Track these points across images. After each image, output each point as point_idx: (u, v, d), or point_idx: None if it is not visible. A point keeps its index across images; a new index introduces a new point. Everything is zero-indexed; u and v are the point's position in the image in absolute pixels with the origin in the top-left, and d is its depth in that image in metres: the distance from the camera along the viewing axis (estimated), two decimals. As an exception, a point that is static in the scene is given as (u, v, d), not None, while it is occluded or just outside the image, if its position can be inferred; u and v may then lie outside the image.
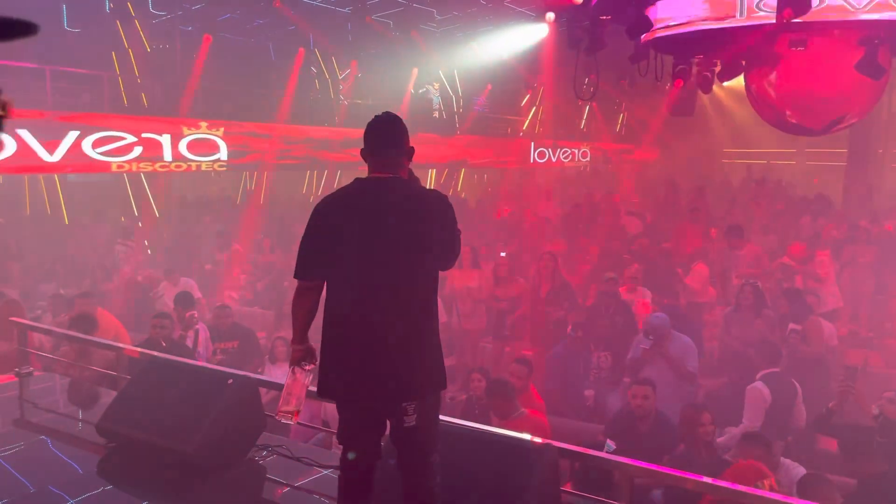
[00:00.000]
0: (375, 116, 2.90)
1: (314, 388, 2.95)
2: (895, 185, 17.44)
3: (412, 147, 2.91)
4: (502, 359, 7.98)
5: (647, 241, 10.09)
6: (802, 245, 9.11)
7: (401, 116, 2.92)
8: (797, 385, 5.74)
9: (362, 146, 2.89)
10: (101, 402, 5.04)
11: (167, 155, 12.80)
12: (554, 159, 21.61)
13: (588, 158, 23.12)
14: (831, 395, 5.85)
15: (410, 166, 2.95)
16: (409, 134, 2.92)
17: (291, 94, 15.85)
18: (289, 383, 2.99)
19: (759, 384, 5.67)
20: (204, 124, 13.38)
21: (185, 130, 13.09)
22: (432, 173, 20.19)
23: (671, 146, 22.88)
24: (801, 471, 4.49)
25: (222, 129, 13.69)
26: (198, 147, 13.30)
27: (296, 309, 2.92)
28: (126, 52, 14.36)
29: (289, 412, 2.97)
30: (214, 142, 13.58)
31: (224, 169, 14.23)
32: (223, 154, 13.76)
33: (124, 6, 14.19)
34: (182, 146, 13.04)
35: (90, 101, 12.97)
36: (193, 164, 13.35)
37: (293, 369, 2.99)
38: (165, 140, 12.74)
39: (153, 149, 12.58)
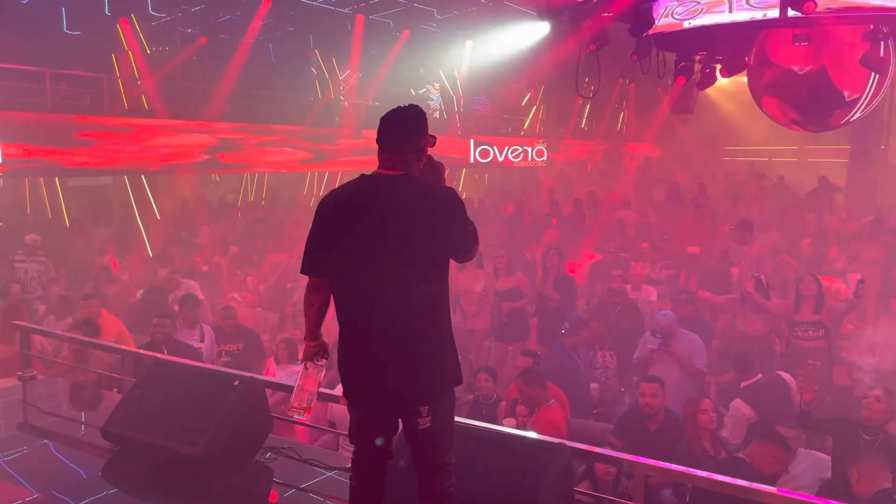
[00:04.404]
0: (391, 110, 2.80)
1: (326, 390, 2.90)
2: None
3: (424, 142, 2.81)
4: (507, 358, 7.95)
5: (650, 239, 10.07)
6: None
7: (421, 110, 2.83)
8: (787, 379, 5.65)
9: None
10: (104, 405, 5.00)
11: None
12: (500, 158, 20.57)
13: (545, 158, 21.90)
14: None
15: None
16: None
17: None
18: (301, 379, 2.94)
19: (737, 402, 5.59)
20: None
21: None
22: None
23: (671, 143, 22.82)
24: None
25: None
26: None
27: (306, 305, 2.86)
28: (125, 54, 14.26)
29: (301, 408, 2.92)
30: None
31: None
32: None
33: (124, 8, 14.12)
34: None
35: (90, 103, 12.88)
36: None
37: (305, 365, 2.95)
38: None
39: None
